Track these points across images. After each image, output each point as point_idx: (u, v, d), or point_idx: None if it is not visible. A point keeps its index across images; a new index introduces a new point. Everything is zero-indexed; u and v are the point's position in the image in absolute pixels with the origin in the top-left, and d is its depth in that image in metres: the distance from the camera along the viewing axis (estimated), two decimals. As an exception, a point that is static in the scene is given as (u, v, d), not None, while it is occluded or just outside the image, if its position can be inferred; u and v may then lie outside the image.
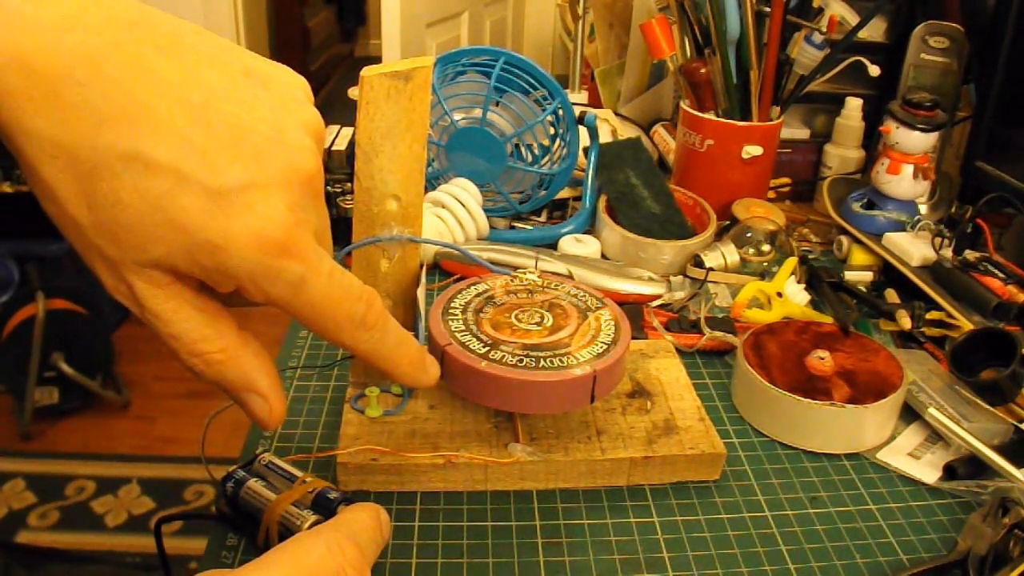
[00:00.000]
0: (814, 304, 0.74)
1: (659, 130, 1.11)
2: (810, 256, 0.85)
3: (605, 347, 0.51)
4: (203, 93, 0.26)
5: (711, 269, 0.77)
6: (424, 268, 0.55)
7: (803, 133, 1.01)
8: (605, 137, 1.00)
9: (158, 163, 0.25)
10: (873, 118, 0.96)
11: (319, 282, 0.29)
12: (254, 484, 0.47)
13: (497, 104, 0.84)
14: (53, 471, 1.81)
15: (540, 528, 0.49)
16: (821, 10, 0.85)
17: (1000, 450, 0.54)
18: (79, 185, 0.25)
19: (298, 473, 0.48)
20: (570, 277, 0.73)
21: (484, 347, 0.51)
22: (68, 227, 0.26)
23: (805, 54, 0.87)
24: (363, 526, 0.33)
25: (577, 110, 0.85)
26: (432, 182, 0.86)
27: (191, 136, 0.26)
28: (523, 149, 0.89)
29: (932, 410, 0.57)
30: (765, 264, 0.79)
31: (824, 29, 0.84)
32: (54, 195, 0.26)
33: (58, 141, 0.24)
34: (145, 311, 0.28)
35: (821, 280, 0.75)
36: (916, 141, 0.81)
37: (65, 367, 1.90)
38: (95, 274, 0.28)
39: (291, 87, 0.30)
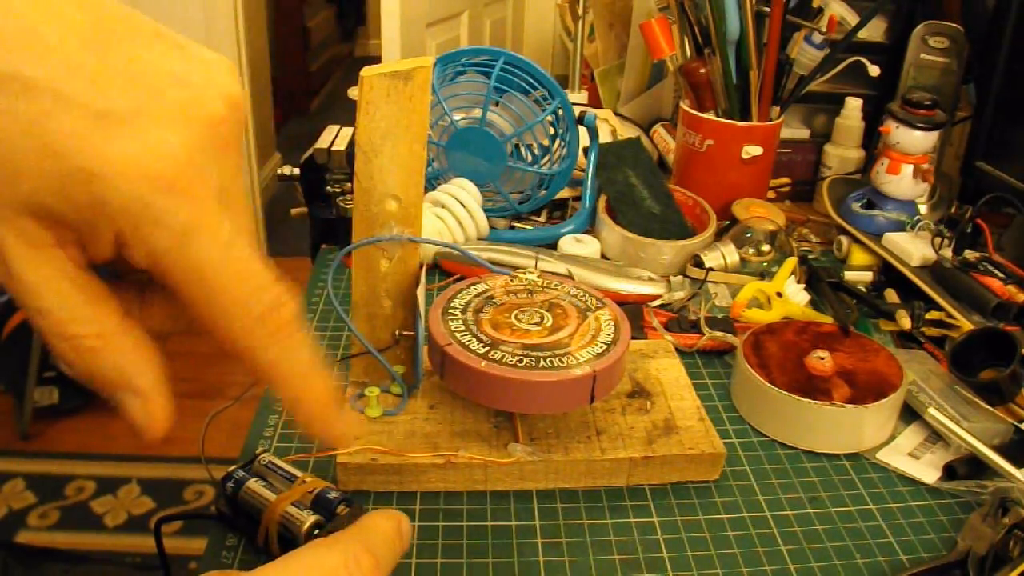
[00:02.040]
0: (814, 304, 0.74)
1: (659, 130, 1.11)
2: (810, 256, 0.85)
3: (605, 347, 0.51)
4: (105, 33, 0.23)
5: (711, 269, 0.77)
6: (424, 268, 0.55)
7: (803, 133, 1.01)
8: (605, 137, 1.00)
9: (36, 84, 0.22)
10: (873, 118, 0.96)
11: (211, 243, 0.25)
12: (254, 484, 0.47)
13: (497, 104, 0.84)
14: (53, 471, 1.80)
15: (540, 528, 0.49)
16: (821, 10, 0.85)
17: (1000, 450, 0.54)
18: None
19: (298, 473, 0.48)
20: (570, 277, 0.73)
21: (484, 347, 0.51)
22: None
23: (805, 54, 0.87)
24: (382, 537, 0.32)
25: (577, 110, 0.85)
26: (432, 182, 0.86)
27: (81, 62, 0.23)
28: (523, 149, 0.89)
29: (932, 410, 0.57)
30: (765, 264, 0.79)
31: (824, 29, 0.84)
32: None
33: None
34: (12, 276, 0.24)
35: (821, 280, 0.75)
36: (916, 141, 0.81)
37: (65, 367, 1.90)
38: None
39: (212, 59, 0.26)
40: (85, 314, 0.25)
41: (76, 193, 0.23)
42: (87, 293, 0.25)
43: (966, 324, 0.68)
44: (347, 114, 0.65)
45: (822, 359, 0.60)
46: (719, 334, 0.68)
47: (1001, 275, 0.72)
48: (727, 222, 0.86)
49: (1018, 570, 0.45)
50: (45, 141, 0.22)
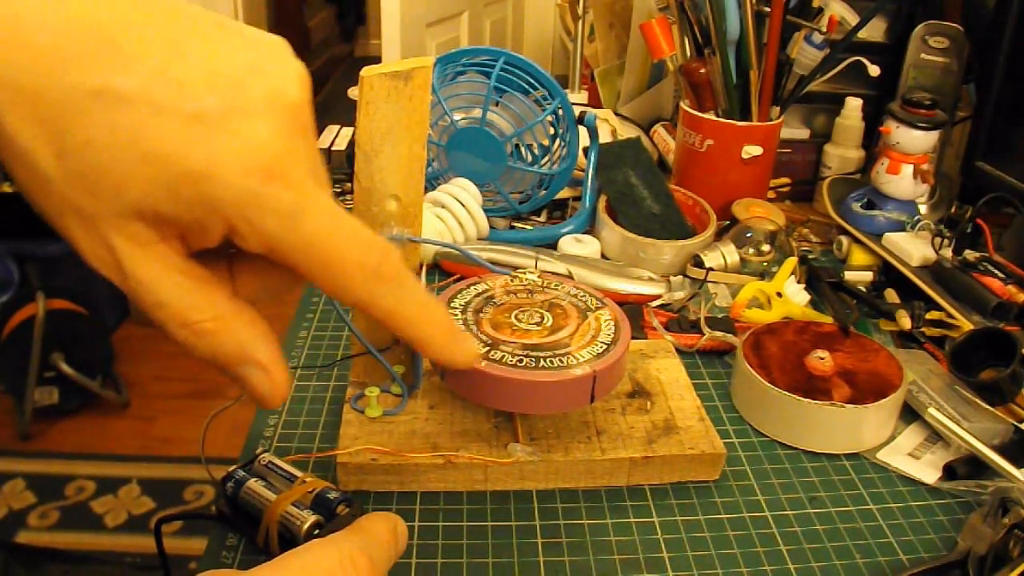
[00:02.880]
0: (814, 304, 0.74)
1: (659, 130, 1.11)
2: (810, 256, 0.85)
3: (605, 347, 0.51)
4: (175, 32, 0.25)
5: (711, 269, 0.77)
6: (424, 268, 0.55)
7: (803, 133, 1.01)
8: (605, 137, 1.00)
9: (128, 95, 0.23)
10: (873, 118, 0.96)
11: (318, 217, 0.26)
12: (254, 484, 0.47)
13: (497, 104, 0.84)
14: (53, 471, 1.80)
15: (540, 528, 0.49)
16: (821, 10, 0.85)
17: (1000, 450, 0.54)
18: (45, 132, 0.23)
19: (298, 473, 0.48)
20: (570, 277, 0.73)
21: (484, 347, 0.51)
22: (37, 185, 0.24)
23: (805, 54, 0.87)
24: (378, 539, 0.32)
25: (577, 110, 0.85)
26: (432, 182, 0.86)
27: (163, 68, 0.24)
28: (523, 149, 0.89)
29: (932, 410, 0.57)
30: (765, 264, 0.79)
31: (824, 29, 0.84)
32: (19, 148, 0.24)
33: (19, 86, 0.23)
34: (128, 277, 0.26)
35: (821, 280, 0.75)
36: (916, 141, 0.81)
37: (65, 367, 1.90)
38: (71, 242, 0.25)
39: (270, 40, 0.27)
40: (200, 300, 0.27)
41: (186, 194, 0.24)
42: (197, 280, 0.27)
43: (966, 324, 0.68)
44: (347, 114, 0.65)
45: (822, 359, 0.60)
46: (719, 334, 0.68)
47: (1001, 275, 0.72)
48: (727, 222, 0.86)
49: (1018, 570, 0.45)
50: (147, 149, 0.24)
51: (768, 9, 0.84)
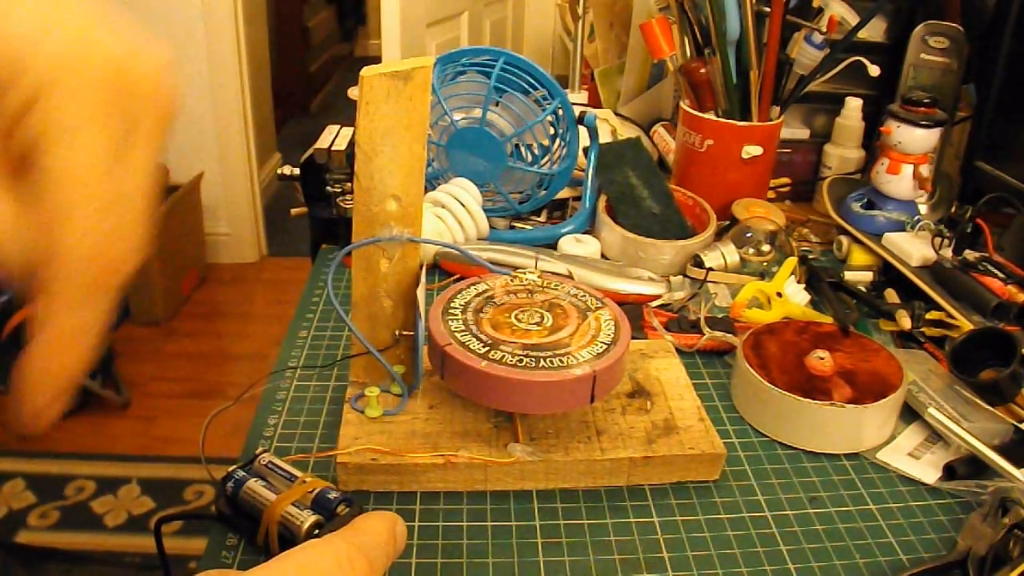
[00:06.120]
0: (814, 304, 0.74)
1: (659, 130, 1.11)
2: (810, 256, 0.85)
3: (605, 347, 0.51)
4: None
5: (711, 269, 0.77)
6: (424, 268, 0.55)
7: (803, 133, 1.01)
8: (605, 137, 1.00)
9: None
10: (873, 118, 0.96)
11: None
12: (254, 484, 0.47)
13: (497, 104, 0.84)
14: (53, 471, 1.80)
15: (540, 528, 0.49)
16: (821, 10, 0.85)
17: (1000, 450, 0.54)
18: None
19: (298, 473, 0.48)
20: (570, 277, 0.73)
21: (484, 347, 0.51)
22: None
23: (805, 54, 0.87)
24: (376, 539, 0.32)
25: (577, 110, 0.85)
26: (432, 182, 0.86)
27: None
28: (523, 149, 0.89)
29: (932, 410, 0.57)
30: (765, 264, 0.79)
31: (824, 29, 0.84)
32: None
33: None
34: None
35: (821, 280, 0.75)
36: (917, 140, 0.81)
37: None
38: None
39: None
40: None
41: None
42: None
43: (966, 324, 0.68)
44: (347, 114, 0.65)
45: (822, 359, 0.60)
46: (719, 334, 0.68)
47: (1001, 275, 0.72)
48: (727, 222, 0.86)
49: (1018, 570, 0.45)
50: None
51: (768, 9, 0.84)
